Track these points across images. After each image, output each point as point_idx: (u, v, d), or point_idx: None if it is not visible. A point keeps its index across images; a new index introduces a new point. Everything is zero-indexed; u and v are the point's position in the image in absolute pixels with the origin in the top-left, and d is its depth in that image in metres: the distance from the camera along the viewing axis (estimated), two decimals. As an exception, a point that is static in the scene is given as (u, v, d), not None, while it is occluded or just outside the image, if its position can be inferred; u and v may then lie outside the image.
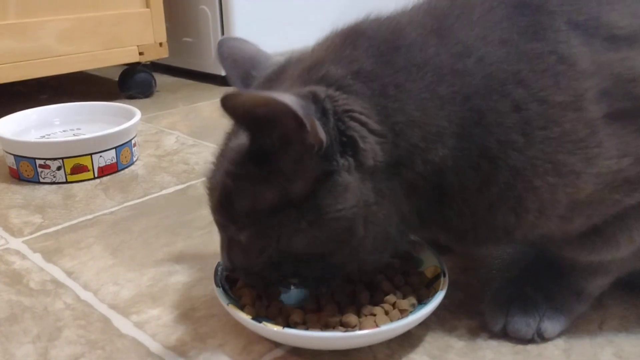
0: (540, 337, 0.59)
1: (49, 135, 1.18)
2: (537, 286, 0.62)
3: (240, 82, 0.62)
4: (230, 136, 0.57)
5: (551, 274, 0.62)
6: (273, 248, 0.53)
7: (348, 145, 0.50)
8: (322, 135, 0.48)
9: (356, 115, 0.50)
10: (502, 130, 0.51)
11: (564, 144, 0.50)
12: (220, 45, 0.65)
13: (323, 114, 0.49)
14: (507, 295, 0.62)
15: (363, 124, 0.50)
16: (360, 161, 0.51)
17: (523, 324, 0.59)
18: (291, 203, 0.51)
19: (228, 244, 0.57)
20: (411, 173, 0.52)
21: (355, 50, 0.53)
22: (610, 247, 0.56)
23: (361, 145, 0.50)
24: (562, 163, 0.50)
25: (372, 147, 0.51)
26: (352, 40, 0.54)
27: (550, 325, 0.59)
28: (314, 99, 0.49)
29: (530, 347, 0.58)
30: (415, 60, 0.52)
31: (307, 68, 0.54)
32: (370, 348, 0.58)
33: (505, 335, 0.60)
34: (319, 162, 0.49)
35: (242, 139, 0.52)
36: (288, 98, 0.46)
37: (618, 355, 0.57)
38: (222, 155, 0.57)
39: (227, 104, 0.46)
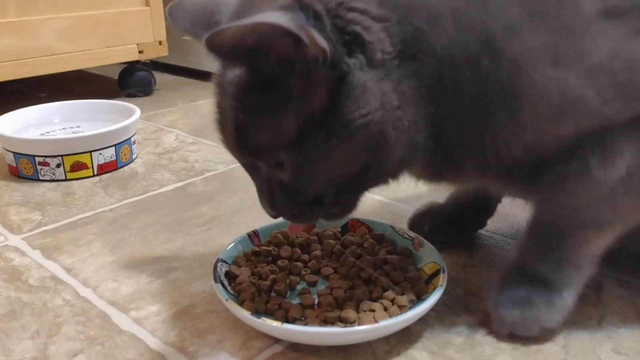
0: (546, 329, 0.58)
1: (48, 133, 1.18)
2: (534, 277, 0.59)
3: (204, 29, 0.54)
4: (222, 74, 0.52)
5: (545, 256, 0.59)
6: (315, 174, 0.51)
7: (353, 43, 0.47)
8: (322, 42, 0.44)
9: (352, 4, 0.47)
10: (509, 17, 0.49)
11: (561, 36, 0.49)
12: (171, 12, 0.59)
13: (316, 18, 0.45)
14: (507, 297, 0.60)
15: (363, 11, 0.47)
16: (369, 57, 0.48)
17: (526, 325, 0.58)
18: (314, 123, 0.48)
19: (267, 189, 0.55)
20: (420, 65, 0.50)
21: None
22: (583, 175, 0.53)
23: (366, 37, 0.47)
24: (559, 53, 0.49)
25: (377, 37, 0.48)
26: None
27: (552, 316, 0.58)
28: (302, 5, 0.45)
29: (528, 342, 0.58)
30: None
31: None
32: (369, 344, 0.58)
33: (512, 336, 0.59)
34: (328, 72, 0.46)
35: (238, 70, 0.49)
36: (274, 16, 0.42)
37: (617, 351, 0.57)
38: (222, 87, 0.52)
39: (213, 44, 0.43)
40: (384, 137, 0.49)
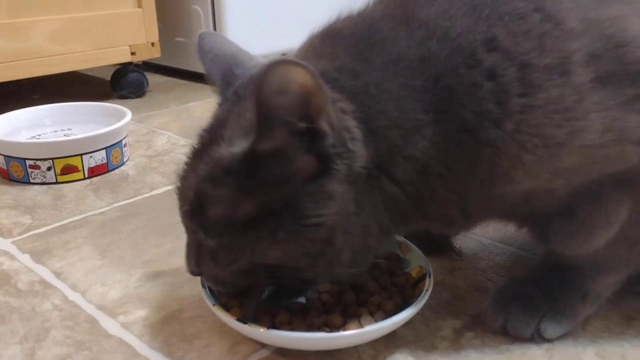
0: (540, 337, 0.59)
1: (39, 135, 1.18)
2: (541, 287, 0.62)
3: (221, 79, 0.59)
4: (208, 137, 0.53)
5: (556, 276, 0.62)
6: (245, 259, 0.52)
7: (342, 145, 0.48)
8: (334, 118, 0.46)
9: (349, 113, 0.49)
10: (475, 101, 0.49)
11: (549, 115, 0.48)
12: (201, 38, 0.62)
13: (332, 99, 0.48)
14: (509, 293, 0.62)
15: (356, 123, 0.49)
16: (350, 167, 0.49)
17: (522, 323, 0.59)
18: (269, 212, 0.49)
19: (196, 250, 0.56)
20: (391, 183, 0.51)
21: (335, 48, 0.52)
22: (585, 232, 0.56)
23: (350, 147, 0.48)
24: (549, 136, 0.48)
25: (359, 150, 0.49)
26: (330, 39, 0.54)
27: (550, 327, 0.59)
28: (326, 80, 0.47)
29: (513, 346, 0.59)
30: (391, 56, 0.51)
31: None
32: (355, 348, 0.59)
33: (505, 332, 0.60)
34: (315, 160, 0.47)
35: (239, 145, 0.48)
36: (301, 71, 0.43)
37: (600, 356, 0.58)
38: (199, 156, 0.52)
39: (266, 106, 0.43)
40: (329, 243, 0.50)
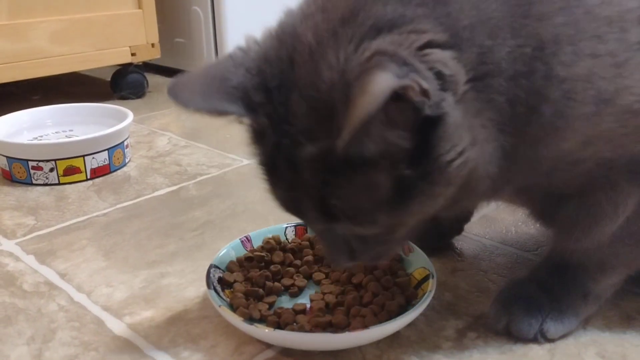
0: (543, 338, 0.60)
1: (41, 136, 1.18)
2: (543, 287, 0.62)
3: (230, 103, 0.48)
4: (284, 148, 0.47)
5: (558, 276, 0.63)
6: (407, 225, 0.50)
7: (439, 80, 0.43)
8: (425, 84, 0.41)
9: (428, 49, 0.43)
10: (554, 26, 0.46)
11: (607, 68, 0.47)
12: (174, 93, 0.49)
13: (406, 64, 0.41)
14: (512, 294, 0.63)
15: (437, 45, 0.44)
16: (455, 92, 0.44)
17: (525, 324, 0.60)
18: (409, 179, 0.45)
19: (342, 245, 0.53)
20: (491, 89, 0.47)
21: None
22: (591, 219, 0.57)
23: (446, 72, 0.43)
24: (602, 90, 0.47)
25: (455, 69, 0.44)
26: None
27: (553, 326, 0.60)
28: (391, 56, 0.41)
29: (516, 347, 0.60)
30: None
31: (340, 21, 0.45)
32: (360, 348, 0.59)
33: (508, 333, 0.61)
34: (427, 114, 0.43)
35: (325, 143, 0.44)
36: (385, 81, 0.39)
37: (601, 355, 0.58)
38: (299, 162, 0.46)
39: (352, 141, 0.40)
40: (476, 174, 0.47)
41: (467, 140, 0.46)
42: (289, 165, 0.48)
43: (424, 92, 0.41)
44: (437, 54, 0.43)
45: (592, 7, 0.47)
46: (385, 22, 0.44)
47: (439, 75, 0.43)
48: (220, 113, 0.49)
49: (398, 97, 0.40)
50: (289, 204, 0.51)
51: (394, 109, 0.42)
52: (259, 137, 0.50)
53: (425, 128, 0.44)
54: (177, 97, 0.49)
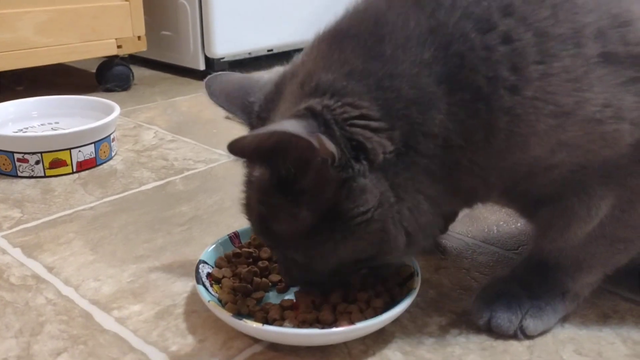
0: (522, 334, 0.62)
1: (26, 128, 1.17)
2: (523, 285, 0.65)
3: (241, 112, 0.62)
4: (250, 169, 0.58)
5: (538, 274, 0.65)
6: (324, 262, 0.56)
7: (359, 148, 0.51)
8: (332, 147, 0.48)
9: (355, 121, 0.51)
10: (488, 66, 0.50)
11: (563, 84, 0.50)
12: (209, 85, 0.64)
13: (326, 126, 0.50)
14: (494, 291, 0.65)
15: (364, 126, 0.51)
16: (371, 161, 0.51)
17: (505, 320, 0.62)
18: (325, 218, 0.53)
19: (284, 263, 0.61)
20: (419, 156, 0.53)
21: (343, 53, 0.53)
22: (564, 221, 0.59)
23: (368, 145, 0.51)
24: (561, 104, 0.50)
25: (379, 143, 0.51)
26: (337, 43, 0.55)
27: (532, 323, 0.62)
28: (312, 114, 0.50)
29: (496, 343, 0.62)
30: (400, 42, 0.52)
31: (300, 83, 0.55)
32: (346, 344, 0.61)
33: (489, 329, 0.63)
34: (336, 173, 0.50)
35: (261, 170, 0.54)
36: (288, 125, 0.47)
37: (578, 352, 0.60)
38: (249, 182, 0.58)
39: (235, 149, 0.47)
40: (385, 232, 0.53)
41: (373, 202, 0.52)
42: (248, 182, 0.58)
43: (329, 153, 0.48)
44: (362, 128, 0.51)
45: (545, 28, 0.50)
46: (327, 88, 0.52)
47: (360, 146, 0.51)
48: (232, 114, 0.63)
49: (311, 147, 0.47)
50: (245, 212, 0.60)
51: (305, 153, 0.48)
52: None
53: (341, 184, 0.51)
54: (210, 87, 0.64)
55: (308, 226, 0.53)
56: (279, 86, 0.59)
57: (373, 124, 0.51)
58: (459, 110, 0.52)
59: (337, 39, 0.55)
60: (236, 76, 0.66)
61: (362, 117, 0.51)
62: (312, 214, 0.53)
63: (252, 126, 0.61)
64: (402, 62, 0.52)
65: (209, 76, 0.65)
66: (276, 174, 0.52)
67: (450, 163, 0.54)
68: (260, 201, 0.55)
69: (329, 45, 0.55)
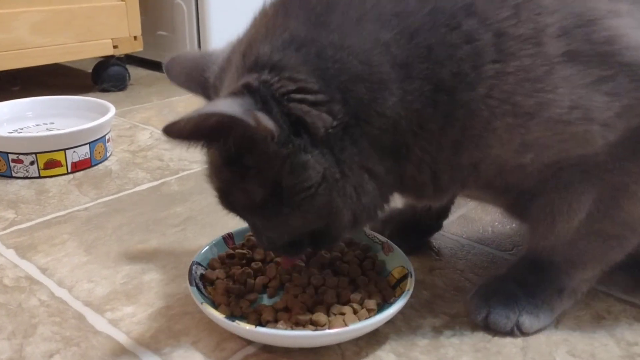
0: (519, 331, 0.62)
1: (21, 129, 1.17)
2: (520, 283, 0.65)
3: (200, 89, 0.62)
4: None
5: (534, 272, 0.65)
6: (279, 231, 0.57)
7: (298, 124, 0.51)
8: (270, 124, 0.48)
9: (293, 95, 0.50)
10: (454, 62, 0.50)
11: (521, 83, 0.50)
12: (168, 68, 0.64)
13: (264, 102, 0.49)
14: (491, 288, 0.65)
15: (301, 100, 0.50)
16: (313, 135, 0.51)
17: (502, 316, 0.62)
18: (274, 192, 0.53)
19: (253, 228, 0.61)
20: (372, 128, 0.52)
21: (288, 19, 0.52)
22: (549, 218, 0.59)
23: (307, 120, 0.50)
24: (519, 104, 0.50)
25: (319, 117, 0.50)
26: (284, 8, 0.53)
27: (529, 320, 0.62)
28: (250, 91, 0.49)
29: (490, 344, 0.62)
30: (354, 14, 0.51)
31: (242, 53, 0.54)
32: (339, 345, 0.61)
33: (486, 326, 0.63)
34: (277, 149, 0.50)
35: (210, 149, 0.55)
36: (222, 105, 0.47)
37: (571, 354, 0.60)
38: (208, 162, 0.58)
39: (172, 134, 0.47)
40: (331, 206, 0.54)
41: (317, 178, 0.52)
42: (207, 159, 0.58)
43: (268, 131, 0.48)
44: (299, 102, 0.50)
45: (505, 28, 0.50)
46: (265, 62, 0.51)
47: (300, 121, 0.50)
48: (193, 93, 0.63)
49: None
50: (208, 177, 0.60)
51: (246, 132, 0.49)
52: None
53: (284, 160, 0.51)
54: (170, 71, 0.64)
55: (259, 199, 0.54)
56: (230, 55, 0.58)
57: (310, 97, 0.50)
58: (414, 99, 0.52)
59: (285, 4, 0.54)
60: (193, 54, 0.66)
61: (299, 90, 0.50)
62: (261, 189, 0.53)
63: (209, 99, 0.61)
64: (352, 35, 0.51)
65: (167, 59, 0.65)
66: (222, 152, 0.53)
67: (401, 145, 0.54)
68: (217, 176, 0.56)
69: (275, 10, 0.54)
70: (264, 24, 0.54)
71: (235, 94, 0.50)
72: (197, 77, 0.62)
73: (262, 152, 0.51)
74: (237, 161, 0.52)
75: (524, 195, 0.60)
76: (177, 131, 0.47)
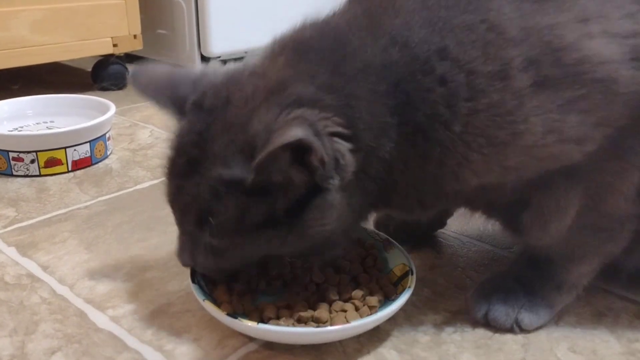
0: (519, 328, 0.63)
1: (22, 127, 1.17)
2: (519, 280, 0.65)
3: (171, 105, 0.60)
4: (198, 152, 0.55)
5: (532, 269, 0.66)
6: (255, 254, 0.56)
7: (335, 161, 0.52)
8: (325, 155, 0.49)
9: (339, 133, 0.52)
10: (428, 104, 0.53)
11: (492, 118, 0.52)
12: (135, 78, 0.62)
13: (318, 135, 0.49)
14: (491, 286, 0.66)
15: (341, 143, 0.52)
16: (343, 179, 0.52)
17: (502, 313, 0.63)
18: (275, 219, 0.53)
19: (190, 244, 0.58)
20: (368, 180, 0.55)
21: (309, 64, 0.54)
22: (540, 219, 0.60)
23: (341, 162, 0.52)
24: (493, 136, 0.52)
25: (349, 160, 0.52)
26: (302, 54, 0.55)
27: (528, 317, 0.63)
28: (309, 123, 0.49)
29: (491, 341, 0.62)
30: (360, 65, 0.54)
31: (272, 89, 0.53)
32: (341, 342, 0.61)
33: (486, 323, 0.63)
34: (318, 182, 0.51)
35: (235, 172, 0.52)
36: (298, 131, 0.47)
37: (572, 350, 0.61)
38: (192, 172, 0.55)
39: (261, 166, 0.48)
40: (330, 238, 0.56)
41: (334, 216, 0.54)
42: (188, 171, 0.55)
43: (322, 162, 0.49)
44: (341, 144, 0.51)
45: (475, 67, 0.51)
46: (308, 100, 0.52)
47: (336, 162, 0.51)
48: (161, 107, 0.61)
49: (304, 152, 0.48)
50: (177, 199, 0.58)
51: (295, 159, 0.49)
52: (176, 136, 0.58)
53: (310, 194, 0.52)
54: (137, 80, 0.62)
55: (258, 222, 0.53)
56: (234, 81, 0.57)
57: (346, 142, 0.52)
58: (404, 141, 0.55)
59: (301, 48, 0.56)
60: (162, 69, 0.63)
61: (338, 134, 0.52)
62: (268, 213, 0.53)
63: (181, 115, 0.58)
64: (362, 86, 0.54)
65: (132, 69, 0.64)
66: (257, 184, 0.51)
67: (390, 184, 0.57)
68: (213, 194, 0.53)
69: (294, 54, 0.55)
70: (288, 66, 0.55)
71: (296, 123, 0.49)
72: (169, 93, 0.60)
73: (298, 181, 0.51)
74: (262, 185, 0.51)
75: (512, 207, 0.62)
76: (262, 164, 0.48)
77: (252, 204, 0.53)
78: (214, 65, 0.61)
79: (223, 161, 0.53)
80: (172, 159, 0.58)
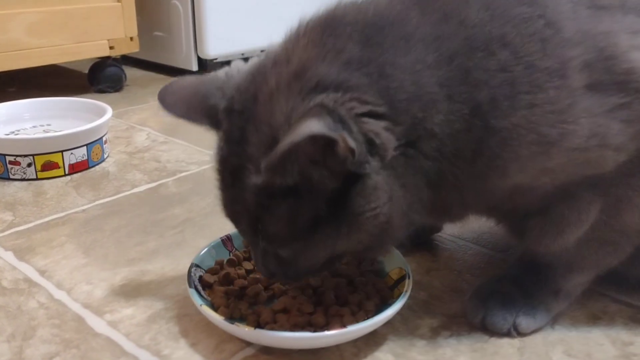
0: (516, 332, 0.63)
1: (18, 130, 1.17)
2: (517, 284, 0.66)
3: (205, 118, 0.58)
4: (237, 161, 0.54)
5: (531, 274, 0.66)
6: (317, 257, 0.55)
7: (370, 144, 0.50)
8: (352, 143, 0.47)
9: (367, 115, 0.50)
10: (489, 88, 0.51)
11: (546, 115, 0.51)
12: (163, 99, 0.60)
13: (342, 122, 0.47)
14: (489, 290, 0.66)
15: (373, 123, 0.50)
16: (382, 158, 0.50)
17: (499, 318, 0.63)
18: (322, 217, 0.52)
19: (263, 256, 0.58)
20: (424, 159, 0.53)
21: (338, 39, 0.52)
22: (557, 228, 0.60)
23: (377, 141, 0.50)
24: (544, 134, 0.52)
25: (388, 138, 0.50)
26: (331, 30, 0.53)
27: (525, 321, 0.63)
28: (328, 111, 0.47)
29: (487, 345, 0.62)
30: (402, 34, 0.52)
31: (294, 75, 0.51)
32: (338, 347, 0.61)
33: (483, 327, 0.64)
34: (349, 169, 0.49)
35: (262, 177, 0.50)
36: (313, 126, 0.45)
37: (568, 353, 0.61)
38: (236, 181, 0.54)
39: (270, 165, 0.47)
40: (389, 224, 0.53)
41: (384, 199, 0.52)
42: (234, 181, 0.54)
43: (350, 150, 0.47)
44: (372, 124, 0.50)
45: (533, 61, 0.51)
46: (330, 82, 0.50)
47: (370, 142, 0.50)
48: (196, 123, 0.59)
49: (329, 144, 0.46)
50: (230, 211, 0.58)
51: (321, 153, 0.48)
52: (218, 148, 0.57)
53: (350, 180, 0.50)
54: (164, 101, 0.60)
55: (310, 222, 0.52)
56: (259, 75, 0.55)
57: (380, 120, 0.50)
58: (456, 120, 0.52)
59: (331, 26, 0.53)
60: (189, 81, 0.61)
61: (370, 113, 0.50)
62: (311, 215, 0.52)
63: (218, 125, 0.57)
64: (404, 55, 0.52)
65: (161, 89, 0.61)
66: (289, 179, 0.50)
67: (438, 172, 0.54)
68: (257, 203, 0.52)
69: (321, 32, 0.53)
70: (312, 46, 0.53)
71: (317, 114, 0.46)
72: (198, 105, 0.58)
73: (333, 174, 0.50)
74: (298, 186, 0.50)
75: (529, 213, 0.62)
76: (273, 160, 0.47)
77: (293, 207, 0.51)
78: (236, 65, 0.60)
79: (256, 165, 0.51)
80: (219, 171, 0.57)
